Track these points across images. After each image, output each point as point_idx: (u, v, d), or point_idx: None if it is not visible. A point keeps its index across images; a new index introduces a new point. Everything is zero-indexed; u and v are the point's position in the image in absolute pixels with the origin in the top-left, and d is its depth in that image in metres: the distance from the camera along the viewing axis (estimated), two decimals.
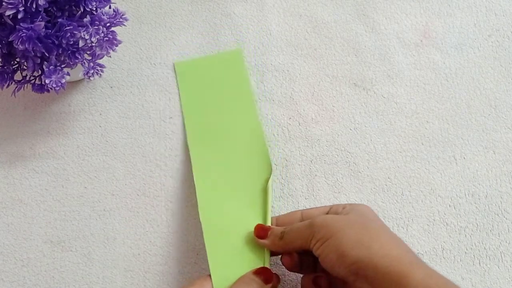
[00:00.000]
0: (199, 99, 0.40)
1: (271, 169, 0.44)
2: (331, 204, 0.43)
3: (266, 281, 0.37)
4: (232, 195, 0.43)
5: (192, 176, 0.46)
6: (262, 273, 0.38)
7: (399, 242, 0.34)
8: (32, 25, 0.36)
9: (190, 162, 0.41)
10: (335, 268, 0.33)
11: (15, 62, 0.42)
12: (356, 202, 0.39)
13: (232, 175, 0.44)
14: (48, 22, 0.38)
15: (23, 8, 0.35)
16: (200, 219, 0.41)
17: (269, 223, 0.42)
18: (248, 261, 0.40)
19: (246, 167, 0.44)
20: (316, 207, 0.41)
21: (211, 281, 0.38)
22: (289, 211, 0.43)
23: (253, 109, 0.41)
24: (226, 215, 0.42)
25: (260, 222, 0.42)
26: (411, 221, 0.45)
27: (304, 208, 0.45)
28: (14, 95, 0.43)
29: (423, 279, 0.30)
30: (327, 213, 0.39)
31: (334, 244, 0.33)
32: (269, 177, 0.44)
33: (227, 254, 0.40)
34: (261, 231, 0.40)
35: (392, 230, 0.45)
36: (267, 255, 0.40)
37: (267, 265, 0.40)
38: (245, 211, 0.42)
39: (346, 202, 0.44)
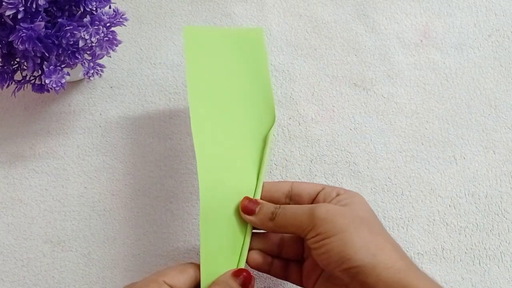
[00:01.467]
0: (207, 66, 0.35)
1: (275, 118, 0.40)
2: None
3: (244, 285, 0.34)
4: (231, 148, 0.39)
5: (191, 176, 0.46)
6: (241, 276, 0.34)
7: (402, 254, 0.33)
8: (32, 25, 0.36)
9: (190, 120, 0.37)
10: (330, 266, 0.32)
11: (15, 62, 0.42)
12: (354, 192, 0.37)
13: (233, 125, 0.40)
14: (48, 22, 0.38)
15: (23, 8, 0.35)
16: (198, 173, 0.36)
17: (260, 187, 0.38)
18: (234, 229, 0.36)
19: (248, 116, 0.40)
20: (307, 183, 0.38)
21: (193, 268, 0.35)
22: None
23: (267, 80, 0.37)
24: (223, 170, 0.38)
25: (253, 184, 0.38)
26: (411, 221, 0.45)
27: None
28: (14, 95, 0.43)
29: None
30: (318, 194, 0.37)
31: (338, 244, 0.32)
32: (272, 127, 0.40)
33: (219, 214, 0.36)
34: (248, 205, 0.36)
35: (392, 230, 0.45)
36: (249, 230, 0.37)
37: (247, 241, 0.36)
38: (242, 167, 0.38)
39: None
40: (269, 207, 0.36)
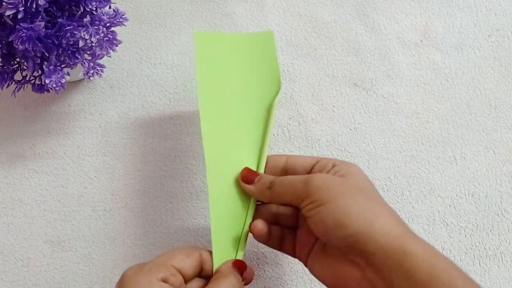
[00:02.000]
0: (217, 70, 0.35)
1: (280, 86, 0.40)
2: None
3: (242, 273, 0.35)
4: (237, 123, 0.39)
5: (191, 176, 0.46)
6: (237, 266, 0.35)
7: (399, 220, 0.32)
8: (32, 25, 0.36)
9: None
10: (327, 235, 0.32)
11: (15, 62, 0.42)
12: (350, 163, 0.37)
13: (238, 102, 0.40)
14: (48, 22, 0.38)
15: (23, 8, 0.35)
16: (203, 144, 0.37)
17: (264, 159, 0.39)
18: (238, 203, 0.37)
19: (254, 90, 0.40)
20: (302, 156, 0.38)
21: (198, 252, 0.35)
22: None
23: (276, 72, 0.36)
24: (229, 144, 0.38)
25: (257, 157, 0.38)
26: (411, 221, 0.45)
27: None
28: (14, 95, 0.43)
29: (427, 257, 0.29)
30: (313, 167, 0.37)
31: (333, 210, 0.31)
32: (277, 96, 0.39)
33: (226, 187, 0.37)
34: (248, 175, 0.37)
35: None
36: (252, 203, 0.37)
37: (250, 215, 0.37)
38: (247, 140, 0.39)
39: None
40: (267, 177, 0.37)
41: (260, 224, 0.36)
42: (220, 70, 0.37)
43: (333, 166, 0.36)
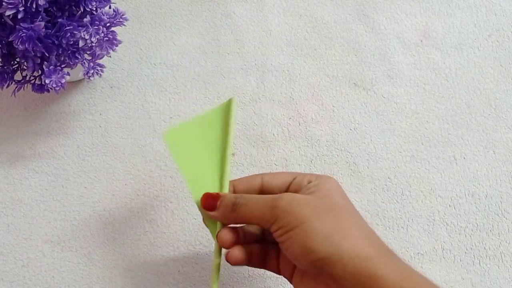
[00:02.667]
0: (190, 149, 0.36)
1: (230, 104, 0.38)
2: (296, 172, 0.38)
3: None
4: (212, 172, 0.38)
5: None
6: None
7: (372, 239, 0.31)
8: (32, 25, 0.36)
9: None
10: (297, 260, 0.31)
11: (15, 62, 0.42)
12: (327, 176, 0.35)
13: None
14: (48, 22, 0.38)
15: (23, 8, 0.35)
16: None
17: (226, 180, 0.36)
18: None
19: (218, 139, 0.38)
20: (279, 173, 0.36)
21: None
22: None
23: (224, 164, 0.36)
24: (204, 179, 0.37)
25: (217, 187, 0.36)
26: (411, 221, 0.45)
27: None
28: (14, 95, 0.43)
29: (397, 281, 0.28)
30: (289, 185, 0.35)
31: (300, 236, 0.30)
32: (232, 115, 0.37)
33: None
34: (209, 201, 0.35)
35: (392, 230, 0.45)
36: (218, 227, 0.35)
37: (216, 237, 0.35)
38: (212, 167, 0.37)
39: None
40: (230, 197, 0.34)
41: (236, 254, 0.34)
42: (192, 146, 0.36)
43: (308, 182, 0.34)
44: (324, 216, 0.31)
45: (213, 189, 0.36)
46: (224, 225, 0.35)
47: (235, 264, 0.34)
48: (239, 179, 0.37)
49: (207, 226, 0.36)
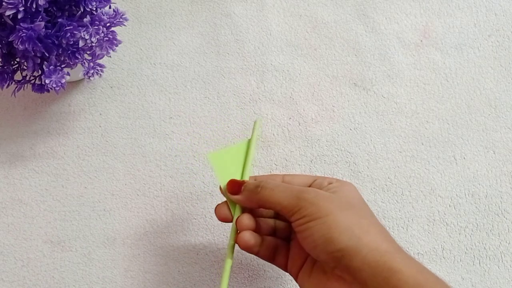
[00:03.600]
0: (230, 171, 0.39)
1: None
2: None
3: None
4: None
5: (191, 175, 0.46)
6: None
7: (388, 236, 0.33)
8: (32, 25, 0.36)
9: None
10: (316, 250, 0.32)
11: (15, 62, 0.42)
12: (346, 181, 0.37)
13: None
14: (48, 22, 0.38)
15: (23, 8, 0.35)
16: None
17: (248, 169, 0.39)
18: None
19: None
20: (299, 175, 0.38)
21: None
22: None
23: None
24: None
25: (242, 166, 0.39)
26: (411, 221, 0.45)
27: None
28: (14, 95, 0.43)
29: (413, 274, 0.29)
30: (310, 185, 0.37)
31: (323, 227, 0.32)
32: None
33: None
34: (235, 186, 0.37)
35: (392, 230, 0.45)
36: (237, 211, 0.37)
37: (235, 220, 0.37)
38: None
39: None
40: (253, 182, 0.36)
41: (247, 236, 0.36)
42: (231, 169, 0.40)
43: (329, 183, 0.36)
44: (346, 211, 0.33)
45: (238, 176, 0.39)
46: (243, 212, 0.37)
47: (244, 247, 0.36)
48: (261, 175, 0.39)
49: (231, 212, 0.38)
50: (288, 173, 0.39)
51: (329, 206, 0.32)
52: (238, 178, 0.38)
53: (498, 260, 0.44)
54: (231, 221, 0.37)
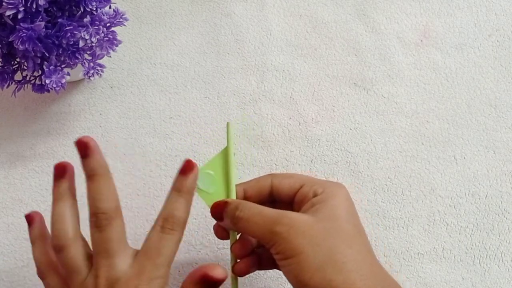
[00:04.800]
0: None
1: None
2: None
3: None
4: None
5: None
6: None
7: (366, 268, 0.31)
8: (32, 25, 0.36)
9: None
10: (293, 286, 0.32)
11: (15, 62, 0.42)
12: (335, 186, 0.34)
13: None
14: (48, 22, 0.38)
15: (23, 8, 0.35)
16: None
17: (233, 193, 0.36)
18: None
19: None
20: (287, 179, 0.36)
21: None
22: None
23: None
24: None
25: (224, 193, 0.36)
26: (411, 221, 0.45)
27: None
28: (14, 95, 0.43)
29: None
30: (296, 192, 0.35)
31: (294, 267, 0.30)
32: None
33: None
34: (217, 211, 0.35)
35: (392, 230, 0.45)
36: (232, 233, 0.36)
37: (231, 244, 0.36)
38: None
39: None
40: (231, 208, 0.34)
41: (241, 267, 0.35)
42: (215, 186, 0.37)
43: (314, 195, 0.34)
44: (319, 246, 0.31)
45: (222, 193, 0.36)
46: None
47: (242, 275, 0.35)
48: (249, 182, 0.37)
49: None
50: (277, 173, 0.37)
51: (302, 242, 0.31)
52: (222, 195, 0.36)
53: (499, 260, 0.44)
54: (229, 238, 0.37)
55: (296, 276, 0.30)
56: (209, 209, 0.36)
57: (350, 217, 0.33)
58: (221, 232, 0.37)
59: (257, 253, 0.36)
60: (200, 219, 0.45)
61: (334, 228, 0.32)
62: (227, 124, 0.37)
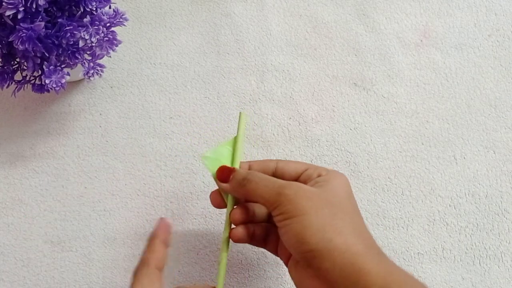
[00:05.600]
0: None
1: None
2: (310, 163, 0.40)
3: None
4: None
5: (191, 175, 0.46)
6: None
7: (362, 237, 0.32)
8: (32, 25, 0.36)
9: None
10: (291, 248, 0.33)
11: (15, 62, 0.42)
12: (338, 172, 0.36)
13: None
14: (48, 22, 0.38)
15: (23, 8, 0.35)
16: None
17: (238, 156, 0.38)
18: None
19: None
20: (292, 162, 0.38)
21: None
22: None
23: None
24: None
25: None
26: (411, 221, 0.45)
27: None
28: (14, 95, 0.43)
29: (382, 276, 0.29)
30: (300, 175, 0.37)
31: (296, 226, 0.32)
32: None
33: None
34: (224, 173, 0.37)
35: (392, 230, 0.45)
36: (230, 201, 0.37)
37: (229, 212, 0.37)
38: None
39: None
40: (242, 172, 0.36)
41: (239, 232, 0.36)
42: (223, 161, 0.39)
43: (318, 175, 0.36)
44: (322, 210, 0.32)
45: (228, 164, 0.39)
46: (237, 201, 0.38)
47: (237, 241, 0.36)
48: (255, 160, 0.39)
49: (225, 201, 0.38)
50: (283, 159, 0.39)
51: (306, 204, 0.32)
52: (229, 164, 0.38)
53: (498, 260, 0.44)
54: (226, 207, 0.38)
55: (297, 235, 0.31)
56: (213, 176, 0.37)
57: (350, 198, 0.35)
58: (218, 200, 0.38)
59: (251, 226, 0.37)
60: (200, 219, 0.45)
61: (335, 201, 0.33)
62: (240, 113, 0.39)
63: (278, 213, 0.33)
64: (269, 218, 0.39)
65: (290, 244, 0.32)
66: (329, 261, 0.30)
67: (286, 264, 0.36)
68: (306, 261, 0.32)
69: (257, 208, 0.38)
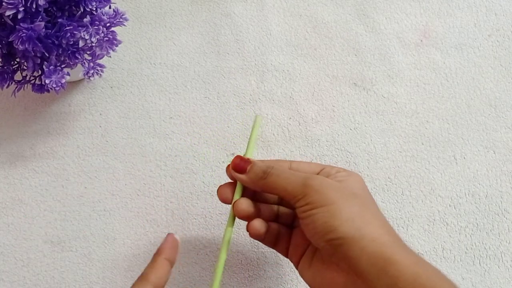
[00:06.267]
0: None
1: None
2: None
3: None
4: None
5: (191, 175, 0.46)
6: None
7: (389, 229, 0.33)
8: (32, 25, 0.36)
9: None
10: (316, 237, 0.32)
11: (15, 62, 0.42)
12: (353, 172, 0.37)
13: None
14: (48, 22, 0.38)
15: (23, 8, 0.35)
16: None
17: (251, 148, 0.38)
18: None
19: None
20: (307, 163, 0.38)
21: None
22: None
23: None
24: None
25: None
26: (411, 221, 0.45)
27: None
28: (14, 95, 0.43)
29: (411, 266, 0.29)
30: (318, 173, 0.36)
31: (325, 215, 0.32)
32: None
33: None
34: (240, 164, 0.36)
35: None
36: (238, 189, 0.37)
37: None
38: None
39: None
40: (261, 165, 0.36)
41: (258, 224, 0.35)
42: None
43: (337, 172, 0.36)
44: (350, 201, 0.32)
45: None
46: (242, 195, 0.37)
47: (254, 236, 0.36)
48: (268, 160, 0.38)
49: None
50: (296, 160, 0.38)
51: (334, 195, 0.32)
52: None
53: (498, 260, 0.44)
54: (230, 203, 0.37)
55: (325, 223, 0.31)
56: (227, 168, 0.37)
57: (368, 192, 0.36)
58: (226, 195, 0.37)
59: (258, 206, 0.37)
60: (200, 219, 0.45)
61: (359, 194, 0.34)
62: (256, 116, 0.39)
63: (303, 203, 0.33)
64: (277, 218, 0.38)
65: (316, 232, 0.32)
66: (357, 249, 0.30)
67: (297, 265, 0.36)
68: (332, 248, 0.31)
69: (265, 206, 0.38)
